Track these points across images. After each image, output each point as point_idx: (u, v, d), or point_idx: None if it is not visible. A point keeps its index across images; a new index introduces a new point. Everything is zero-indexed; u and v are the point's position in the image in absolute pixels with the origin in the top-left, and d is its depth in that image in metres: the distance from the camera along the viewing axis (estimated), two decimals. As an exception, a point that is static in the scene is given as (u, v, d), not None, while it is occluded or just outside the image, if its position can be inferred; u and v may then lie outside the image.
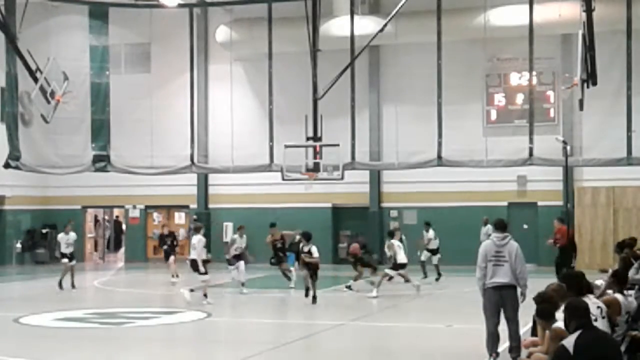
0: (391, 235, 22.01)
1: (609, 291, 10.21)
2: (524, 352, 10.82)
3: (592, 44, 17.21)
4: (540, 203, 30.29)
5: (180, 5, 28.79)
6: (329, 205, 31.97)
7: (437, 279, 24.32)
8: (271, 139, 28.04)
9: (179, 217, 35.61)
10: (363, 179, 31.59)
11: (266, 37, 27.98)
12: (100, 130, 29.34)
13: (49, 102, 25.37)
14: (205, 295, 19.41)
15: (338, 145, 24.87)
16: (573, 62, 24.39)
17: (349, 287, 21.89)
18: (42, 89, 25.32)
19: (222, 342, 15.52)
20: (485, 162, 27.25)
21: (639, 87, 25.22)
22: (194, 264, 19.45)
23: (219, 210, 33.77)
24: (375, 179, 32.04)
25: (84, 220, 35.92)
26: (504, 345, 11.75)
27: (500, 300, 11.55)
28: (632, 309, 10.11)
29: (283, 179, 25.80)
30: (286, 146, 25.19)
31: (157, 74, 32.65)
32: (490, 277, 11.55)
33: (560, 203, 29.35)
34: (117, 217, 38.54)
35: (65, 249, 22.77)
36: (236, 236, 23.14)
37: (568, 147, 25.72)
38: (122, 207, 36.25)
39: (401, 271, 21.46)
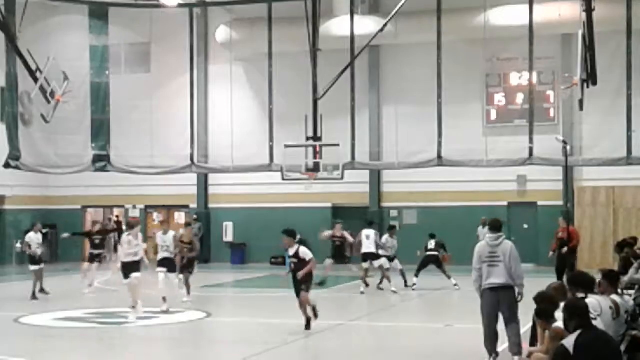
0: (370, 224, 22.58)
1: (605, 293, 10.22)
2: (523, 353, 10.84)
3: (592, 43, 17.21)
4: (540, 203, 30.29)
5: (180, 5, 28.82)
6: (329, 205, 31.96)
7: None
8: (271, 139, 28.06)
9: (179, 217, 35.60)
10: (363, 179, 31.59)
11: (266, 37, 28.00)
12: (100, 130, 29.37)
13: (49, 102, 25.38)
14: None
15: (338, 145, 24.90)
16: (573, 62, 24.40)
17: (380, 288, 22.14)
18: (42, 89, 25.32)
19: (222, 342, 15.50)
20: (485, 162, 27.27)
21: (639, 87, 25.22)
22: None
23: (219, 210, 33.79)
24: (375, 179, 32.06)
25: (84, 220, 35.89)
26: (503, 345, 11.75)
27: (498, 302, 11.51)
28: (630, 309, 10.12)
29: (283, 179, 25.83)
30: (286, 146, 25.22)
31: (157, 74, 32.69)
32: (486, 278, 11.51)
33: (560, 203, 29.33)
34: (117, 217, 38.48)
35: (36, 249, 21.08)
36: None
37: (568, 147, 25.58)
38: (122, 207, 36.24)
39: (380, 261, 21.59)
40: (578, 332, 7.27)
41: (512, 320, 11.57)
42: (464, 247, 25.90)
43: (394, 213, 32.09)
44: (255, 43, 29.74)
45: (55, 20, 29.66)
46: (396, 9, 24.64)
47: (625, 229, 26.95)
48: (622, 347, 9.00)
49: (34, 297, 20.51)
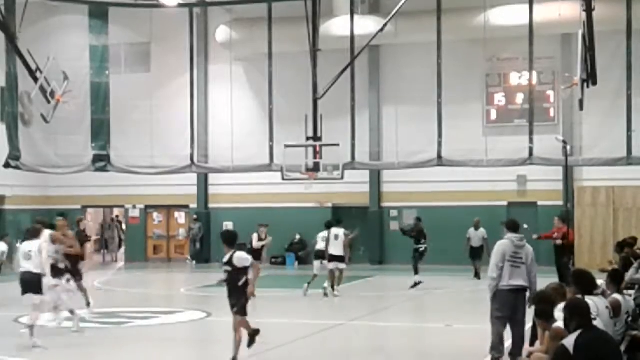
0: (338, 223, 21.45)
1: (608, 292, 10.22)
2: (523, 353, 10.84)
3: (592, 43, 17.20)
4: (540, 203, 30.27)
5: (180, 5, 28.79)
6: (329, 205, 31.94)
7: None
8: (271, 139, 28.02)
9: (179, 217, 35.67)
10: (363, 179, 31.59)
11: (266, 37, 27.97)
12: (100, 130, 29.34)
13: (49, 102, 25.34)
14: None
15: (338, 145, 24.88)
16: (573, 61, 24.36)
17: None
18: (42, 89, 25.28)
19: (222, 342, 15.48)
20: (485, 161, 27.25)
21: (639, 87, 25.21)
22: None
23: (219, 210, 33.80)
24: (375, 179, 32.07)
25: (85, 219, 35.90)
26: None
27: (516, 304, 11.30)
28: (630, 309, 10.12)
29: (283, 179, 25.81)
30: (286, 146, 25.20)
31: (157, 74, 32.70)
32: (508, 278, 11.22)
33: (561, 203, 29.35)
34: (116, 217, 38.52)
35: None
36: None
37: (568, 147, 25.68)
38: (122, 206, 36.25)
39: (339, 265, 20.60)
40: (578, 331, 7.27)
41: (523, 324, 11.38)
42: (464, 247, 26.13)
43: (393, 213, 32.11)
44: (255, 43, 29.72)
45: (55, 20, 29.66)
46: (396, 9, 24.62)
47: (625, 229, 26.92)
48: (622, 347, 9.00)
49: None
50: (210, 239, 33.90)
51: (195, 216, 33.98)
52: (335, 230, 20.83)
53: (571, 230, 23.24)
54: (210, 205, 34.29)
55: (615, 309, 9.51)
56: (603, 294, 9.70)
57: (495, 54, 29.41)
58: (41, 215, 34.10)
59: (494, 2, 27.89)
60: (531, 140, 26.28)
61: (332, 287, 20.61)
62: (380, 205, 32.31)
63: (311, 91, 25.15)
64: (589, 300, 8.64)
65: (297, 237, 32.08)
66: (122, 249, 36.43)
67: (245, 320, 11.75)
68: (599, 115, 26.65)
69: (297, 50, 27.10)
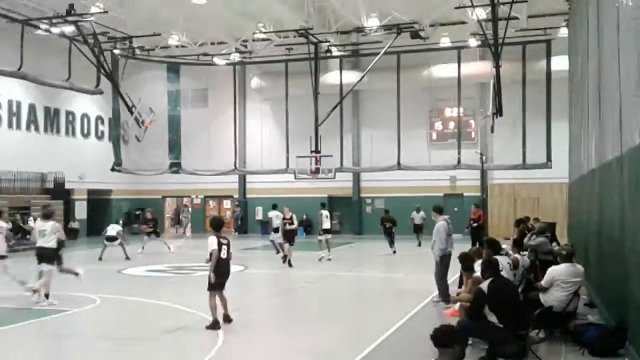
0: (323, 206, 19.89)
1: (510, 253, 10.25)
2: (453, 293, 10.83)
3: (499, 89, 17.19)
4: (465, 194, 30.25)
5: (227, 64, 28.75)
6: (326, 195, 31.92)
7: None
8: (287, 151, 27.99)
9: (226, 203, 35.67)
10: (348, 178, 31.55)
11: (284, 84, 27.93)
12: (174, 146, 29.31)
13: (140, 127, 25.48)
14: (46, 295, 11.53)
15: (331, 156, 24.88)
16: (487, 100, 24.36)
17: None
18: (136, 119, 25.44)
19: (255, 287, 15.32)
20: (429, 166, 27.26)
21: (530, 118, 25.15)
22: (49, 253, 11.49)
23: (253, 199, 33.82)
24: (357, 178, 32.02)
25: (164, 205, 35.97)
26: (435, 292, 11.68)
27: (449, 261, 11.45)
28: (526, 264, 10.16)
29: (295, 178, 25.78)
30: (297, 156, 25.18)
31: (213, 109, 32.67)
32: (448, 246, 11.35)
33: (479, 194, 29.39)
34: (186, 204, 38.37)
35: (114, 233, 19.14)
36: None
37: (483, 157, 25.76)
38: (189, 196, 36.25)
39: (327, 235, 19.21)
40: (490, 279, 7.31)
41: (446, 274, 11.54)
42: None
43: (368, 201, 32.10)
44: (277, 89, 29.68)
45: (145, 73, 29.58)
46: (369, 66, 24.64)
47: (522, 212, 26.87)
48: (520, 289, 9.04)
49: (127, 258, 19.75)
50: (247, 218, 33.88)
51: (237, 203, 33.93)
52: (324, 212, 19.69)
53: (483, 213, 23.16)
54: (248, 196, 34.23)
55: (515, 264, 9.55)
56: (506, 254, 9.73)
57: (436, 96, 29.37)
58: (135, 202, 34.17)
59: (435, 61, 27.85)
60: (459, 153, 26.22)
61: (329, 250, 19.52)
62: (359, 196, 32.24)
63: (314, 120, 25.10)
64: (498, 258, 8.71)
65: (304, 216, 32.05)
66: (189, 225, 36.35)
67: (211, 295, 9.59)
68: (504, 136, 26.60)
69: (304, 93, 27.02)
